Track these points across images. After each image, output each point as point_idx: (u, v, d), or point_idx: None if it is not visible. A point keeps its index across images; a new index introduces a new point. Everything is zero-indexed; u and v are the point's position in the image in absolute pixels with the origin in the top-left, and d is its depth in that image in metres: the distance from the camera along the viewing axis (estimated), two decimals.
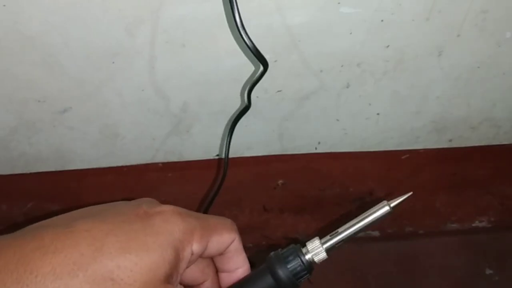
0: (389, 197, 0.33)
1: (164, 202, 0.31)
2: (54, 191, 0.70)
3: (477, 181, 0.81)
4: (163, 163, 0.68)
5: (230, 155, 0.63)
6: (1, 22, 0.47)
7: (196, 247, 0.30)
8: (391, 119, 0.66)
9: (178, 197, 0.74)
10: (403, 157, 0.74)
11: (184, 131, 0.63)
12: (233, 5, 0.43)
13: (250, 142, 0.67)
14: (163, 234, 0.28)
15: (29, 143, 0.61)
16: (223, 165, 0.62)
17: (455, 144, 0.72)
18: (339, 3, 0.50)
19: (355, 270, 0.82)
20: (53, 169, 0.66)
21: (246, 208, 0.79)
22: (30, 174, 0.66)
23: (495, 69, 0.61)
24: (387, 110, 0.65)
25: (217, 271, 0.35)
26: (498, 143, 0.73)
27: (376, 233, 0.86)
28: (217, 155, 0.68)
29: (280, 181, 0.75)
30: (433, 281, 0.81)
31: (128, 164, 0.67)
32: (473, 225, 0.88)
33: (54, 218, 0.29)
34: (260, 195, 0.77)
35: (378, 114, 0.65)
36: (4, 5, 0.45)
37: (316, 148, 0.70)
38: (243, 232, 0.86)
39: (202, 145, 0.66)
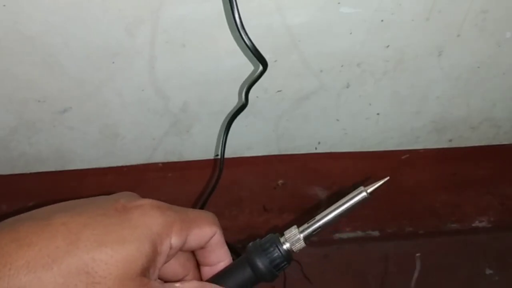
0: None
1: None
2: (54, 191, 0.70)
3: (477, 181, 0.81)
4: (163, 163, 0.68)
5: (231, 155, 0.63)
6: (1, 22, 0.47)
7: (175, 240, 0.30)
8: (391, 119, 0.66)
9: (178, 197, 0.74)
10: (403, 157, 0.74)
11: (184, 131, 0.63)
12: (233, 5, 0.43)
13: (250, 142, 0.67)
14: (140, 227, 0.28)
15: (29, 143, 0.61)
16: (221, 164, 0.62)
17: (455, 144, 0.72)
18: (339, 3, 0.50)
19: (355, 270, 0.82)
20: (53, 169, 0.66)
21: (246, 208, 0.79)
22: (30, 174, 0.66)
23: (495, 69, 0.61)
24: (387, 110, 0.65)
25: (198, 265, 0.35)
26: (498, 143, 0.73)
27: (376, 233, 0.86)
28: (217, 155, 0.68)
29: (280, 181, 0.75)
30: (433, 281, 0.81)
31: (128, 164, 0.67)
32: (473, 225, 0.88)
33: (33, 211, 0.29)
34: (260, 195, 0.77)
35: (378, 114, 0.65)
36: (4, 5, 0.45)
37: (316, 148, 0.70)
38: (243, 232, 0.87)
39: (202, 145, 0.66)
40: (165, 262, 0.30)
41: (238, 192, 0.75)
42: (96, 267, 0.26)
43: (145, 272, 0.28)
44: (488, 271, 0.83)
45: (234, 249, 0.36)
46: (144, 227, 0.28)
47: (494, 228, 0.87)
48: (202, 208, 0.66)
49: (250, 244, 0.34)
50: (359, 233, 0.86)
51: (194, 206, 0.74)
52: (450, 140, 0.71)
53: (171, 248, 0.30)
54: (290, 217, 0.81)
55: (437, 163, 0.75)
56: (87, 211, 0.29)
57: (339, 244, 0.84)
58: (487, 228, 0.88)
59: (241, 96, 0.59)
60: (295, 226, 0.34)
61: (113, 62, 0.53)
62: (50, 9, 0.47)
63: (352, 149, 0.71)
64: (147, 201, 0.30)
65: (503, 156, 0.76)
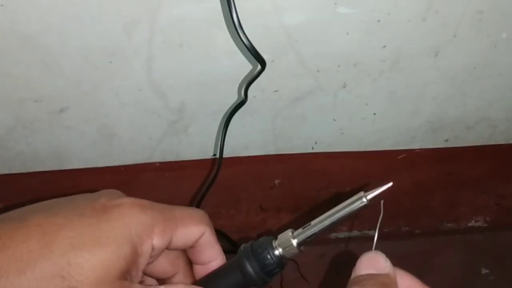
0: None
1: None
2: (51, 191, 0.70)
3: (473, 181, 0.81)
4: (160, 163, 0.68)
5: (228, 155, 0.63)
6: None
7: (157, 241, 0.28)
8: (387, 119, 0.66)
9: (175, 196, 0.74)
10: (399, 157, 0.74)
11: (181, 131, 0.63)
12: (231, 5, 0.44)
13: (247, 142, 0.68)
14: (118, 228, 0.27)
15: (27, 143, 0.61)
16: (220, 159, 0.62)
17: (451, 144, 0.72)
18: (336, 3, 0.50)
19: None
20: (50, 169, 0.66)
21: (243, 208, 0.79)
22: (28, 173, 0.66)
23: (491, 69, 0.61)
24: (384, 110, 0.65)
25: (190, 262, 0.33)
26: (494, 143, 0.74)
27: (372, 233, 0.86)
28: (214, 154, 0.68)
29: (277, 181, 0.76)
30: (429, 280, 0.81)
31: (125, 163, 0.67)
32: (469, 224, 0.88)
33: (10, 212, 0.28)
34: (257, 195, 0.78)
35: (374, 114, 0.65)
36: (2, 5, 0.45)
37: (312, 148, 0.70)
38: (240, 232, 0.86)
39: (199, 144, 0.66)
40: (150, 263, 0.29)
41: (235, 191, 0.75)
42: (72, 271, 0.25)
43: (125, 275, 0.26)
44: (484, 271, 0.83)
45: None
46: (123, 228, 0.27)
47: (490, 227, 0.88)
48: (198, 207, 0.66)
49: (242, 246, 0.32)
50: (355, 233, 0.86)
51: (191, 205, 0.74)
52: (446, 140, 0.72)
53: (153, 249, 0.28)
54: (286, 216, 0.81)
55: (433, 163, 0.76)
56: (63, 212, 0.27)
57: (336, 244, 0.84)
58: (483, 227, 0.88)
59: (240, 96, 0.59)
60: (291, 230, 0.31)
61: (111, 62, 0.53)
62: (48, 9, 0.47)
63: (348, 148, 0.71)
64: (128, 200, 0.29)
65: (499, 156, 0.76)
